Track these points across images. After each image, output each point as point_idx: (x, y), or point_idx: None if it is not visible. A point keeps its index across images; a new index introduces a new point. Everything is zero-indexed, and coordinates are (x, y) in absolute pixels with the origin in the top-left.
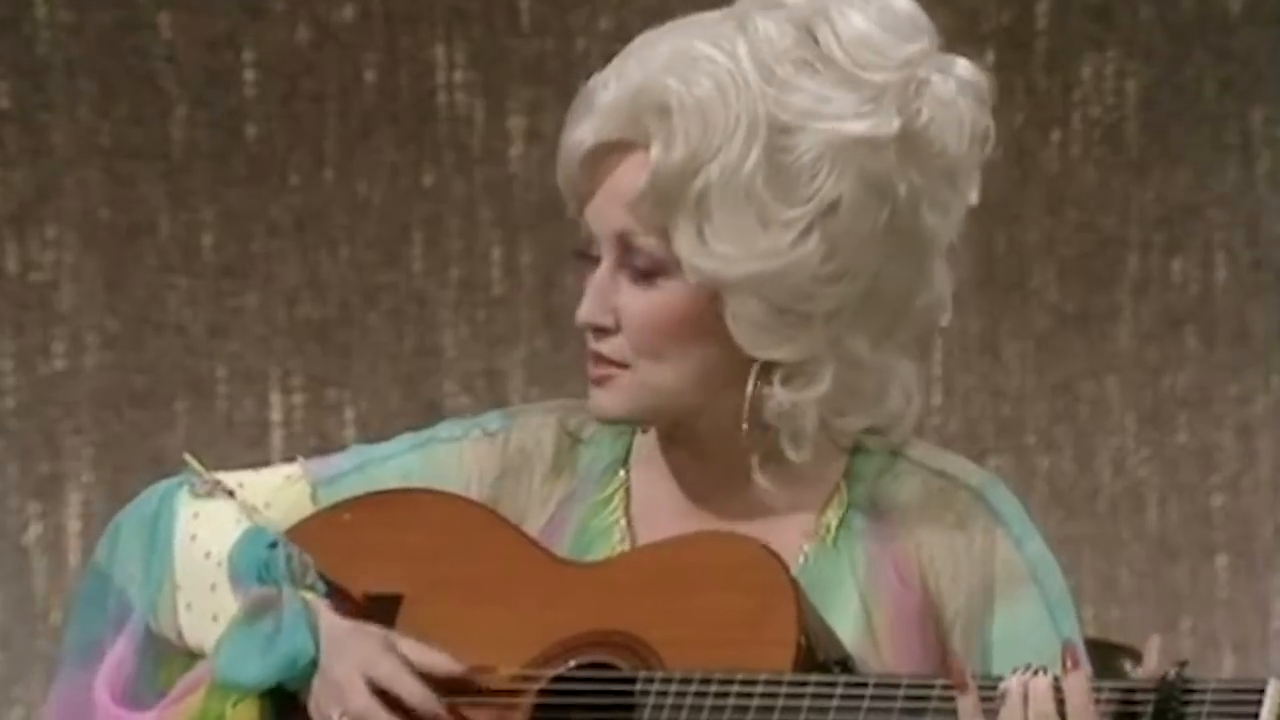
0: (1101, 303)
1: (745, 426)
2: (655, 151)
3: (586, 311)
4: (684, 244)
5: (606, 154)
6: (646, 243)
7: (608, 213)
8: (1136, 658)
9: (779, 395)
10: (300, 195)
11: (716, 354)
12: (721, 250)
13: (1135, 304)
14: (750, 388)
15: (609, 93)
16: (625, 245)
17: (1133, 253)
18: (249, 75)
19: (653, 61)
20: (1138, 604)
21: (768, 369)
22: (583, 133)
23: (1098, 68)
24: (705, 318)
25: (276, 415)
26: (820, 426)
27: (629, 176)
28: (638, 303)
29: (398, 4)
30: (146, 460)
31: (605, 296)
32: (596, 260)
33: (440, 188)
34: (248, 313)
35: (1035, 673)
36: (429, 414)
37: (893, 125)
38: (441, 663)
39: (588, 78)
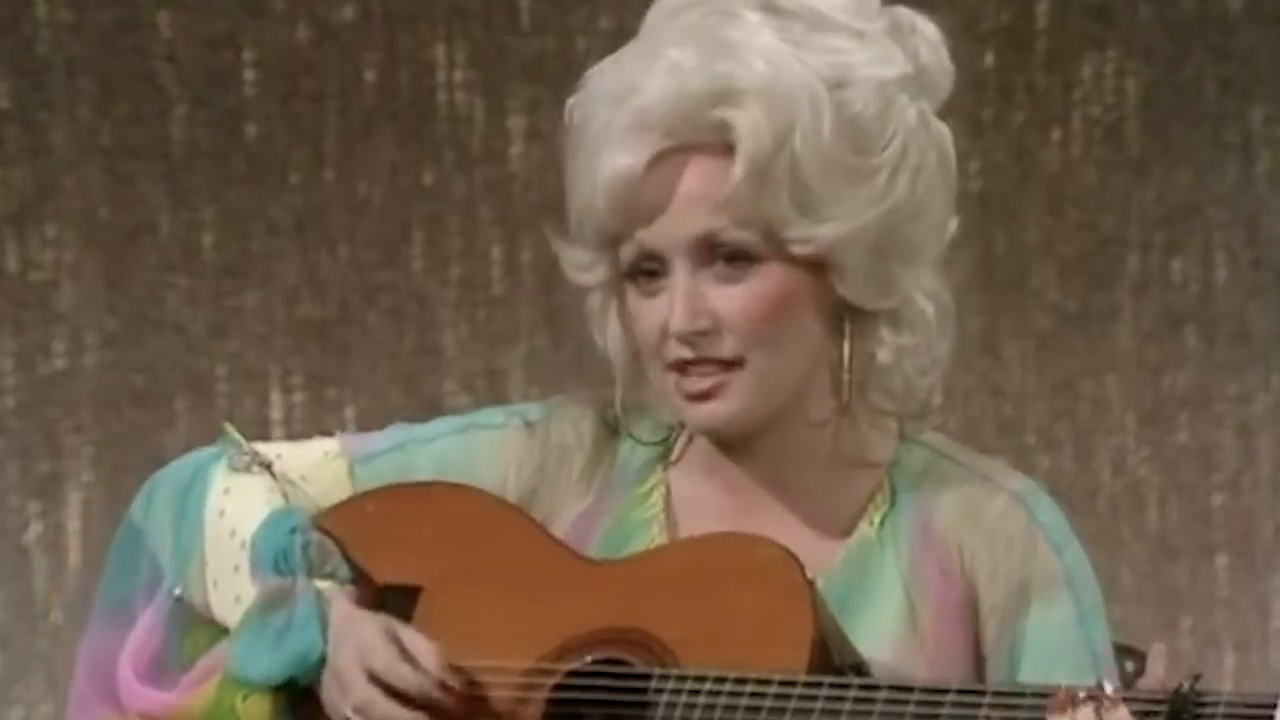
0: (1101, 302)
1: (846, 395)
2: (744, 139)
3: (687, 319)
4: (786, 221)
5: (664, 165)
6: (737, 235)
7: (683, 220)
8: (1137, 657)
9: (888, 344)
10: (300, 194)
11: (812, 323)
12: (823, 214)
13: (1135, 303)
14: (847, 350)
15: (648, 107)
16: (708, 246)
17: (1133, 252)
18: (249, 74)
19: (686, 62)
20: (1138, 603)
21: (870, 325)
22: (627, 156)
23: (1098, 67)
24: (803, 291)
25: (276, 414)
26: (901, 387)
27: (702, 177)
28: (738, 297)
29: (398, 3)
30: (147, 459)
31: (696, 301)
32: (651, 275)
33: (440, 187)
34: (248, 312)
35: (1075, 702)
36: (429, 413)
37: (908, 65)
38: (431, 654)
39: None
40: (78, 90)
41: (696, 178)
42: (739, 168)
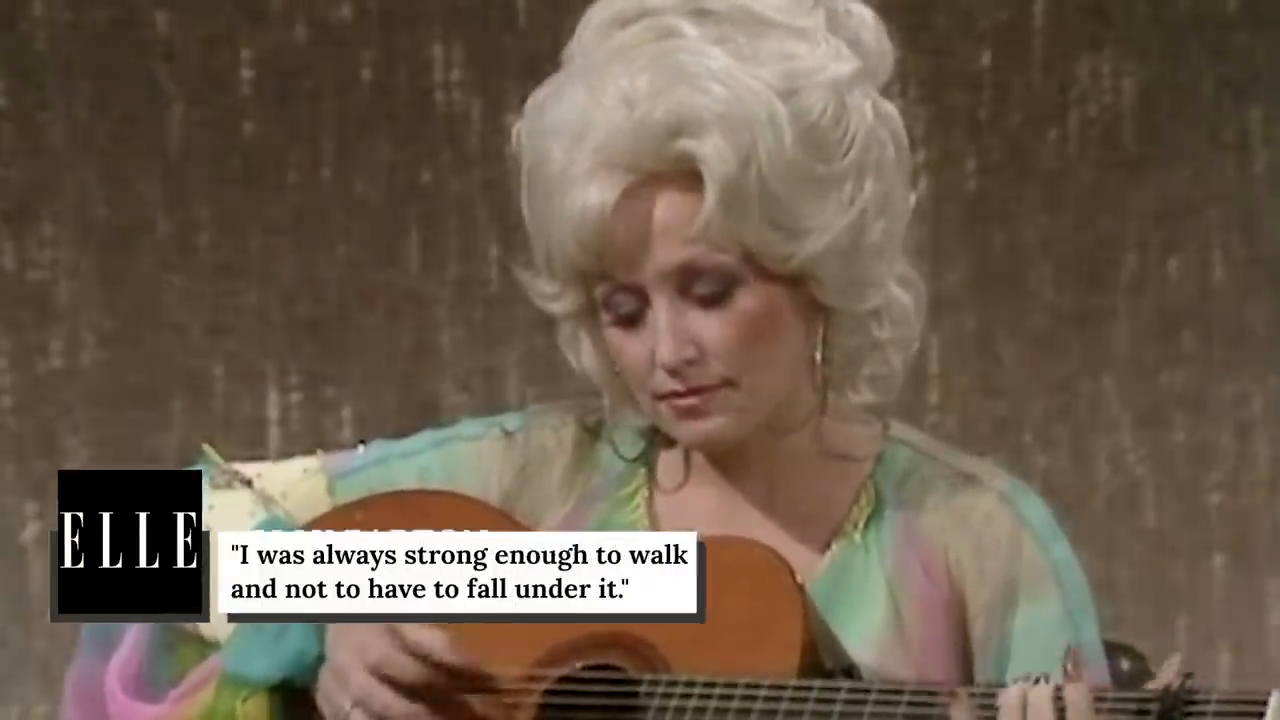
0: (1098, 301)
1: (822, 396)
2: (711, 168)
3: (674, 351)
4: (761, 241)
5: (632, 199)
6: (715, 261)
7: (659, 252)
8: (1134, 656)
9: (872, 339)
10: (297, 194)
11: (795, 332)
12: (797, 229)
13: (1132, 303)
14: (828, 352)
15: (606, 143)
16: (688, 274)
17: (1130, 252)
18: (246, 74)
19: (639, 92)
20: (1135, 603)
21: (852, 322)
22: (594, 196)
23: (1094, 66)
24: (784, 304)
25: (273, 414)
26: (884, 378)
27: (672, 208)
28: (722, 323)
29: (395, 2)
30: (143, 459)
31: (680, 332)
32: (627, 309)
33: (437, 186)
34: (245, 311)
35: (1036, 682)
36: (426, 412)
37: (854, 58)
38: (436, 641)
39: None
40: (74, 89)
41: (666, 209)
42: (709, 197)
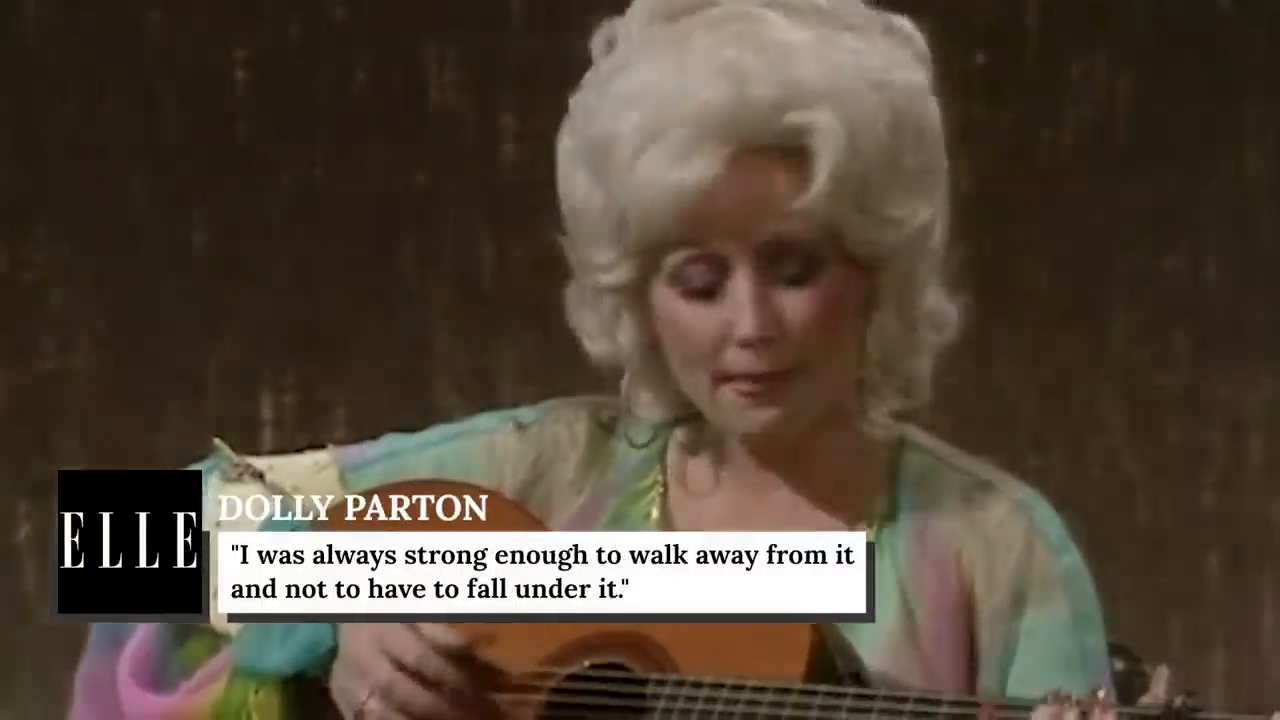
0: (1092, 301)
1: (884, 397)
2: (823, 145)
3: (763, 325)
4: (852, 224)
5: (732, 171)
6: (808, 238)
7: (751, 225)
8: (1128, 657)
9: (920, 343)
10: (291, 194)
11: (858, 325)
12: (886, 216)
13: (1126, 303)
14: (884, 350)
15: (708, 113)
16: (777, 250)
17: (1124, 251)
18: (240, 74)
19: (745, 65)
20: (1128, 603)
21: (904, 324)
22: (695, 165)
23: (1089, 67)
24: (857, 292)
25: (267, 414)
26: (919, 383)
27: (770, 181)
28: (807, 302)
29: (389, 3)
30: (138, 460)
31: (766, 306)
32: (706, 279)
33: (431, 187)
34: (239, 312)
35: (1063, 702)
36: (420, 413)
37: (923, 65)
38: (452, 635)
39: (580, 76)
40: (67, 90)
41: (764, 183)
42: (820, 173)
